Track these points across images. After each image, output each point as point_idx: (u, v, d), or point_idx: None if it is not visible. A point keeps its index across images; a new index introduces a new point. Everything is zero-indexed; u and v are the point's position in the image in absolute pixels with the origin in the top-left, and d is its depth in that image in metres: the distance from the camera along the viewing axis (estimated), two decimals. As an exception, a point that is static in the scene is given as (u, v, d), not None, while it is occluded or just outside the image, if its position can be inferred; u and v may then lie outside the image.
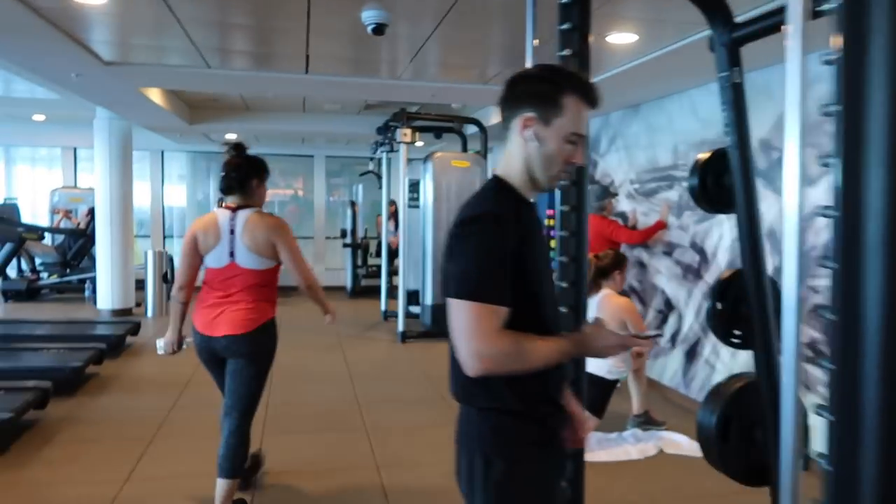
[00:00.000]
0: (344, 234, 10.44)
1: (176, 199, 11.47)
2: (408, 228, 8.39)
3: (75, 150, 10.85)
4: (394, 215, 10.48)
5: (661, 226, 5.32)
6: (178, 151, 11.23)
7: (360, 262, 10.65)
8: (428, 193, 7.21)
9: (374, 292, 10.65)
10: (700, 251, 4.97)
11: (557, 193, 2.29)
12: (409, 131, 7.09)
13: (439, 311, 7.10)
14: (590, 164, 6.98)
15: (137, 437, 4.18)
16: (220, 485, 2.96)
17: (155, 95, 6.46)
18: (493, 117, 7.48)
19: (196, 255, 2.99)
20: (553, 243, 2.40)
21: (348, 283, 10.55)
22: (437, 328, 7.24)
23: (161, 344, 3.15)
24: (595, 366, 3.97)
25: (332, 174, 11.84)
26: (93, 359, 5.30)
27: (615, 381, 4.08)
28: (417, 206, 8.42)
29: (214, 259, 2.96)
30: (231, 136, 9.58)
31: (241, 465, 3.05)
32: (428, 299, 7.29)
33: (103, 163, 8.11)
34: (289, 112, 8.37)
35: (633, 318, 4.01)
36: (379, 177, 9.08)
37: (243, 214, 2.96)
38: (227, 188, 3.00)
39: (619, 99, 5.73)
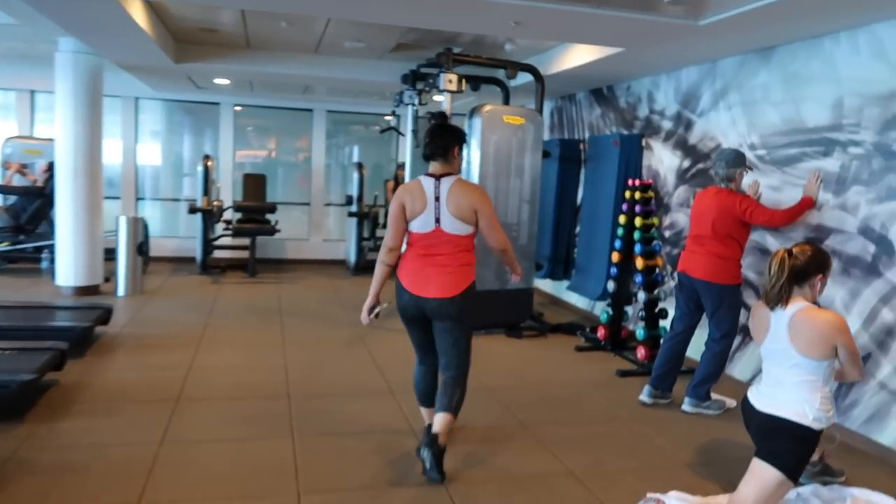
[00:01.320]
0: (349, 202, 9.03)
1: (149, 157, 9.90)
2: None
3: (32, 93, 9.19)
4: (402, 180, 9.13)
5: (810, 203, 4.07)
6: (155, 100, 9.63)
7: (366, 233, 9.27)
8: (473, 155, 5.85)
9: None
10: (879, 240, 3.74)
11: None
12: (454, 77, 5.71)
13: (490, 300, 5.81)
14: (680, 125, 5.82)
15: None
16: (440, 417, 3.16)
17: (138, 14, 4.95)
18: (552, 64, 6.12)
19: (403, 220, 3.17)
20: None
21: (351, 257, 9.18)
22: (482, 320, 5.95)
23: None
24: (792, 411, 2.73)
25: (331, 132, 10.36)
26: (49, 365, 3.89)
27: (821, 432, 2.83)
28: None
29: (420, 224, 3.14)
30: (222, 82, 8.05)
31: (459, 404, 3.23)
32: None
33: (67, 108, 6.57)
34: (298, 53, 6.89)
35: (849, 344, 2.75)
36: (401, 133, 7.66)
37: (447, 182, 3.13)
38: (430, 154, 3.18)
39: (733, 41, 4.43)
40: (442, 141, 3.16)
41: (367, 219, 9.13)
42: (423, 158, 3.25)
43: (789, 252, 2.87)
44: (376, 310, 3.34)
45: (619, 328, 5.67)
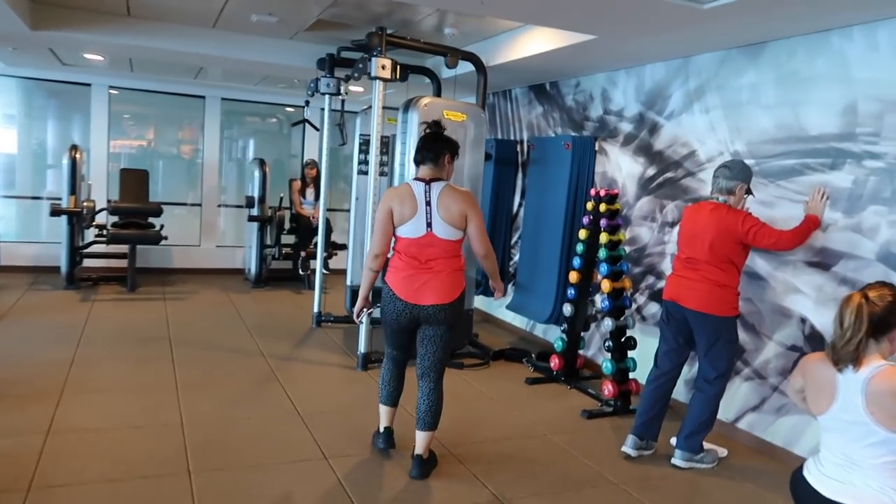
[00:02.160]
0: (250, 204, 7.88)
1: (2, 146, 8.28)
2: (358, 202, 6.17)
3: None
4: (314, 181, 8.13)
5: (815, 223, 3.54)
6: (8, 77, 8.03)
7: (270, 240, 8.16)
8: (409, 154, 4.99)
9: (286, 280, 8.27)
10: (906, 269, 3.24)
11: None
12: (388, 63, 4.81)
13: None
14: (643, 128, 4.99)
15: None
16: (421, 436, 3.26)
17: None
18: (497, 54, 5.35)
19: (391, 225, 3.16)
20: None
21: (252, 267, 8.04)
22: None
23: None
24: (876, 501, 2.10)
25: (224, 124, 9.10)
26: None
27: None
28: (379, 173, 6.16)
29: (410, 230, 3.13)
30: (94, 58, 6.69)
31: (439, 418, 3.25)
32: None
33: None
34: (192, 26, 5.73)
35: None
36: (315, 128, 6.65)
37: (438, 186, 3.14)
38: (421, 158, 3.22)
39: (723, 33, 3.86)
40: (434, 146, 3.21)
41: (271, 223, 8.01)
42: (414, 163, 3.28)
43: (865, 296, 2.21)
44: (367, 312, 3.37)
45: (575, 357, 5.01)
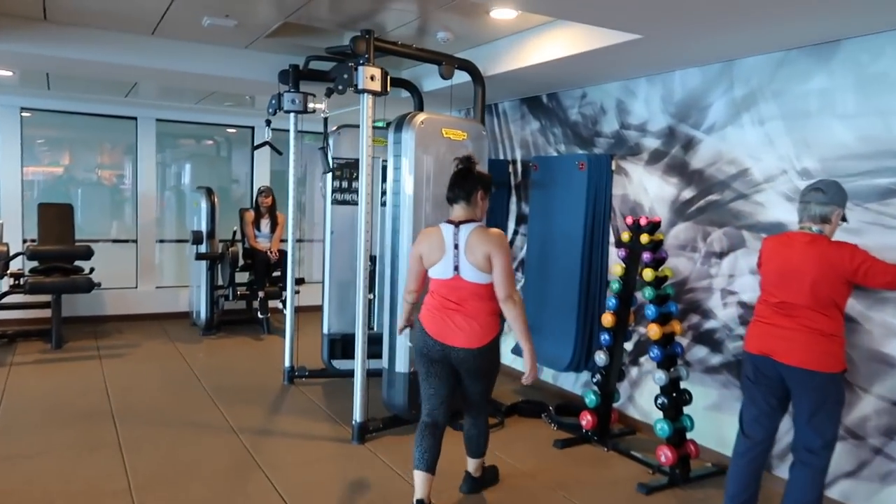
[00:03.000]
0: (198, 240, 6.85)
1: None
2: (334, 237, 5.32)
3: None
4: (269, 210, 7.19)
5: (930, 255, 2.93)
6: None
7: (222, 279, 7.14)
8: (404, 180, 4.18)
9: (242, 324, 7.27)
10: None
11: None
12: (378, 72, 3.99)
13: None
14: (675, 143, 4.22)
15: None
16: (472, 461, 3.44)
17: None
18: (499, 62, 4.61)
19: (422, 266, 3.19)
20: None
21: (202, 310, 7.00)
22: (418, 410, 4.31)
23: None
24: None
25: (159, 148, 8.01)
26: None
27: None
28: (351, 202, 5.34)
29: (439, 271, 3.11)
30: (2, 73, 5.59)
31: (485, 445, 3.39)
32: (401, 360, 4.25)
33: None
34: (125, 33, 4.75)
35: None
36: (278, 152, 5.73)
37: (467, 229, 3.06)
38: (453, 198, 3.13)
39: (773, 34, 3.25)
40: (466, 184, 3.11)
41: (223, 261, 7.00)
42: (448, 202, 3.17)
43: None
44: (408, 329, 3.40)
45: (610, 412, 4.28)
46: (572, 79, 4.76)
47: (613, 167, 4.75)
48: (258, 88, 5.62)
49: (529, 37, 4.31)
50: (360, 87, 3.96)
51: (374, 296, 5.35)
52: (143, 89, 6.44)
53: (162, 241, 7.98)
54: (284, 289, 7.05)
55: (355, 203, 5.35)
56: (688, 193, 4.20)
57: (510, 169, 5.79)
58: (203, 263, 6.88)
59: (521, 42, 4.39)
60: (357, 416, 4.15)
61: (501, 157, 5.94)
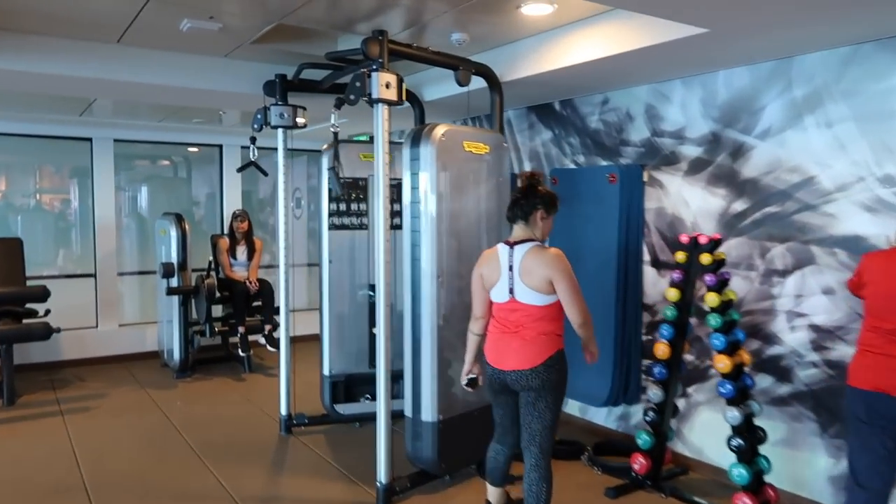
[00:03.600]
0: (169, 272, 6.15)
1: None
2: (332, 265, 4.77)
3: None
4: (245, 236, 6.57)
5: None
6: None
7: (197, 314, 6.45)
8: (425, 200, 3.66)
9: (219, 363, 6.60)
10: None
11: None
12: (393, 79, 3.47)
13: (460, 431, 3.69)
14: (720, 151, 3.72)
15: None
16: None
17: None
18: (519, 66, 4.14)
19: (484, 290, 3.06)
20: None
21: (175, 350, 6.29)
22: (451, 466, 3.79)
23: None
24: None
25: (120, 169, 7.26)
26: None
27: None
28: (351, 227, 4.79)
29: (497, 294, 3.01)
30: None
31: (548, 494, 2.98)
32: (428, 407, 3.70)
33: None
34: (87, 41, 4.11)
35: None
36: (264, 172, 5.11)
37: (521, 249, 2.93)
38: (511, 217, 3.04)
39: (841, 27, 2.87)
40: (525, 202, 2.99)
41: (198, 295, 6.32)
42: (508, 221, 3.08)
43: None
44: (471, 377, 3.18)
45: (664, 453, 3.82)
46: (596, 83, 4.33)
47: (645, 179, 4.32)
48: (239, 102, 5.01)
49: (556, 37, 3.85)
50: (374, 96, 3.43)
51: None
52: (101, 106, 5.75)
53: (123, 273, 7.22)
54: (266, 321, 6.46)
55: (355, 227, 4.82)
56: (739, 206, 3.79)
57: (518, 183, 5.31)
58: (175, 298, 6.19)
59: (546, 43, 3.92)
60: (382, 475, 3.58)
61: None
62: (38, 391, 5.78)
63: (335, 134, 3.51)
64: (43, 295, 5.38)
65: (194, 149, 7.87)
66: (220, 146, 7.61)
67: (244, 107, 5.15)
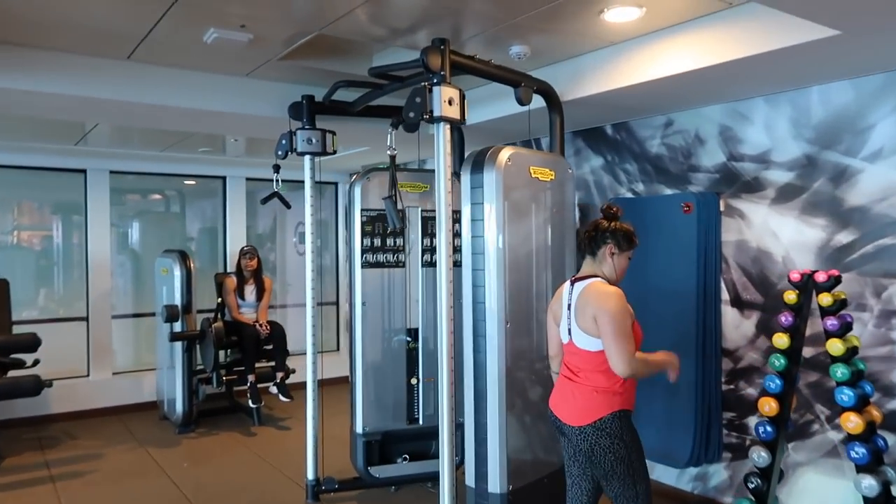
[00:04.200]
0: (173, 316, 5.56)
1: None
2: (365, 308, 4.25)
3: None
4: (254, 275, 6.03)
5: None
6: None
7: (203, 362, 5.86)
8: (490, 235, 3.16)
9: (225, 414, 6.01)
10: None
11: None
12: (456, 95, 2.98)
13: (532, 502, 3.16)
14: (818, 176, 3.24)
15: None
16: None
17: None
18: (582, 83, 3.70)
19: (554, 326, 2.82)
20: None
21: (178, 403, 5.67)
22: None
23: None
24: None
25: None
26: None
27: None
28: (387, 264, 4.29)
29: (561, 333, 2.75)
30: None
31: None
32: (496, 476, 3.14)
33: None
34: (93, 57, 3.61)
35: None
36: (287, 204, 4.58)
37: (580, 286, 2.65)
38: (580, 250, 2.80)
39: None
40: (595, 234, 2.70)
41: (204, 341, 5.73)
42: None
43: None
44: None
45: (768, 525, 3.29)
46: (663, 103, 3.89)
47: (722, 208, 3.86)
48: (261, 126, 4.51)
49: (629, 49, 3.41)
50: (436, 113, 2.94)
51: (419, 380, 4.30)
52: (98, 135, 5.22)
53: (118, 316, 6.60)
54: (277, 368, 5.88)
55: (391, 265, 4.29)
56: (844, 237, 3.33)
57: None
58: (178, 344, 5.59)
59: (618, 56, 3.48)
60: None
61: (550, 200, 4.99)
62: (24, 451, 5.13)
63: (392, 158, 3.00)
64: (33, 344, 4.77)
65: (191, 181, 7.33)
66: (224, 178, 7.08)
67: (265, 132, 4.65)
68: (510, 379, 3.18)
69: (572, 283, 2.72)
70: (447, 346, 3.03)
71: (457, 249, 3.64)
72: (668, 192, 4.17)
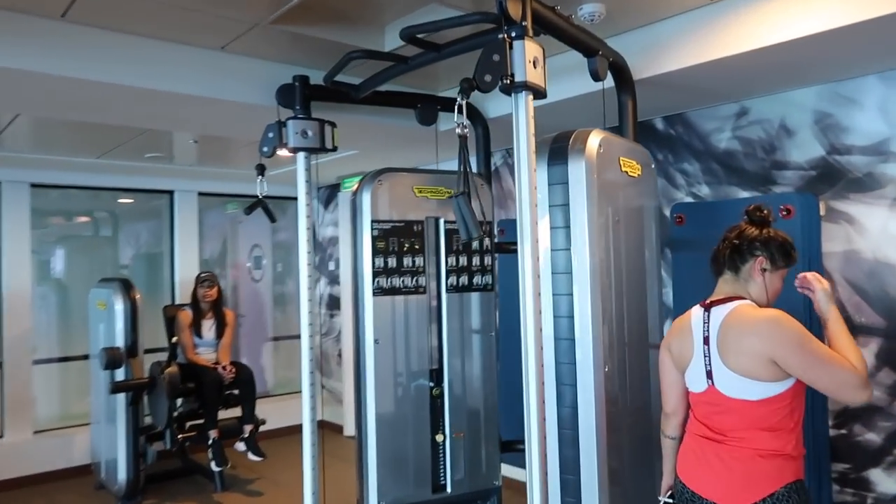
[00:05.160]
0: (114, 362, 4.45)
1: None
2: (378, 346, 3.36)
3: None
4: (213, 307, 5.05)
5: None
6: None
7: (154, 417, 4.76)
8: (580, 248, 2.34)
9: (178, 478, 4.93)
10: None
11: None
12: (541, 54, 2.16)
13: None
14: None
15: None
16: None
17: None
18: (662, 59, 2.95)
19: (674, 372, 2.14)
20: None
21: (121, 469, 4.55)
22: None
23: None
24: None
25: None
26: None
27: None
28: (404, 290, 3.41)
29: (692, 380, 2.06)
30: None
31: None
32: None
33: None
34: (17, 13, 2.62)
35: None
36: (272, 217, 3.60)
37: (720, 313, 1.99)
38: (715, 266, 2.13)
39: None
40: (739, 245, 2.06)
41: (154, 391, 4.63)
42: (713, 275, 2.15)
43: None
44: (669, 501, 2.20)
45: None
46: (745, 84, 3.19)
47: (822, 212, 3.17)
48: (238, 115, 3.55)
49: (738, 7, 2.69)
50: (518, 78, 2.10)
51: (445, 436, 3.42)
52: (15, 133, 4.15)
53: (39, 360, 5.41)
54: (245, 419, 4.87)
55: (409, 291, 3.39)
56: None
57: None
58: (121, 396, 4.50)
59: (715, 18, 2.75)
60: None
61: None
62: None
63: (462, 138, 2.12)
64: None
65: (127, 199, 6.22)
66: (172, 192, 6.02)
67: (243, 125, 3.71)
68: (612, 443, 2.34)
69: (706, 309, 2.05)
70: (536, 390, 2.13)
71: (477, 271, 3.32)
72: (745, 194, 3.46)
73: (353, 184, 5.87)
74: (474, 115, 3.68)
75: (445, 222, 3.42)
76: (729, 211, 3.31)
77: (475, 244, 3.47)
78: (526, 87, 2.12)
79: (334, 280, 6.53)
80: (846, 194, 3.11)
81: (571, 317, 2.38)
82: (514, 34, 2.14)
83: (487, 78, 2.09)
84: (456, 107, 2.09)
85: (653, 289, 2.70)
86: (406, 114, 3.70)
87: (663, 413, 2.24)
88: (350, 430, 6.21)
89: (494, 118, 3.71)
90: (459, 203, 2.07)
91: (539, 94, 2.18)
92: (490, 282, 3.49)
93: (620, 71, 2.91)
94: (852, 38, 2.50)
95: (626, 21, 2.92)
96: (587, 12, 2.73)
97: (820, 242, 3.18)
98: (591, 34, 2.65)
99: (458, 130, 2.11)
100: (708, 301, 2.07)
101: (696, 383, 2.04)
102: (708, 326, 2.01)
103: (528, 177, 2.13)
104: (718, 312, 2.00)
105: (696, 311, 2.10)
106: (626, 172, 2.58)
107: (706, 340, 2.00)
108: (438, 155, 3.60)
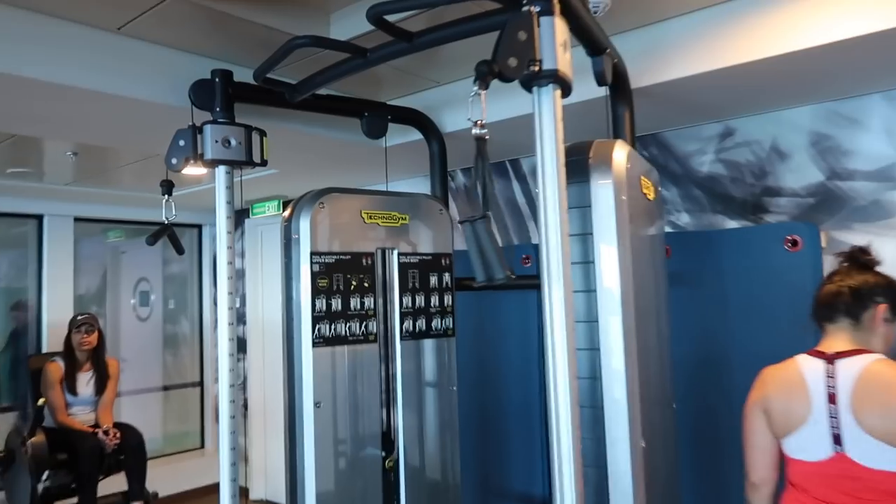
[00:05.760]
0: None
1: None
2: (320, 410, 2.73)
3: None
4: (92, 357, 4.19)
5: None
6: None
7: (11, 497, 3.77)
8: (607, 280, 1.83)
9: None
10: None
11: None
12: (567, 36, 1.67)
13: None
14: None
15: None
16: None
17: None
18: (669, 65, 2.54)
19: (769, 434, 1.85)
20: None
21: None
22: None
23: None
24: None
25: None
26: None
27: None
28: (352, 339, 2.77)
29: (803, 445, 1.78)
30: None
31: None
32: None
33: None
34: None
35: None
36: (179, 249, 2.84)
37: (852, 368, 1.73)
38: (825, 315, 1.87)
39: None
40: (856, 291, 1.83)
41: (11, 466, 3.66)
42: (816, 322, 1.91)
43: None
44: None
45: None
46: (727, 103, 2.86)
47: (823, 244, 2.86)
48: (141, 117, 2.80)
49: (759, 7, 2.32)
50: (547, 66, 1.58)
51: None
52: None
53: None
54: (133, 496, 3.99)
55: (357, 340, 2.76)
56: None
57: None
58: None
59: (726, 19, 2.38)
60: None
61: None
62: None
63: (479, 140, 1.55)
64: None
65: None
66: (41, 217, 5.03)
67: (143, 128, 2.96)
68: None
69: (830, 362, 1.79)
70: (572, 446, 1.58)
71: (436, 313, 2.81)
72: (733, 223, 3.12)
73: (265, 209, 5.16)
74: (428, 127, 3.13)
75: (399, 254, 2.84)
76: (721, 242, 2.96)
77: (433, 280, 2.91)
78: (556, 78, 1.60)
79: (239, 319, 5.72)
80: (850, 224, 2.82)
81: (595, 378, 1.87)
82: (539, 9, 1.62)
83: (512, 62, 1.55)
84: (470, 99, 1.54)
85: (669, 336, 2.24)
86: (346, 124, 3.11)
87: (749, 484, 1.96)
88: (258, 492, 5.39)
89: (452, 132, 3.17)
90: (477, 231, 1.51)
91: (567, 89, 1.68)
92: (450, 325, 2.93)
93: (622, 76, 2.47)
94: (859, 51, 2.18)
95: (630, 19, 2.49)
96: (593, 3, 2.28)
97: (822, 275, 2.86)
98: (602, 28, 2.19)
99: (475, 131, 1.55)
100: (831, 352, 1.81)
101: (812, 450, 1.79)
102: (835, 383, 1.77)
103: (558, 198, 1.59)
104: (852, 367, 1.76)
105: (811, 364, 1.83)
106: (645, 195, 2.12)
107: (832, 398, 1.75)
108: (388, 175, 3.02)
